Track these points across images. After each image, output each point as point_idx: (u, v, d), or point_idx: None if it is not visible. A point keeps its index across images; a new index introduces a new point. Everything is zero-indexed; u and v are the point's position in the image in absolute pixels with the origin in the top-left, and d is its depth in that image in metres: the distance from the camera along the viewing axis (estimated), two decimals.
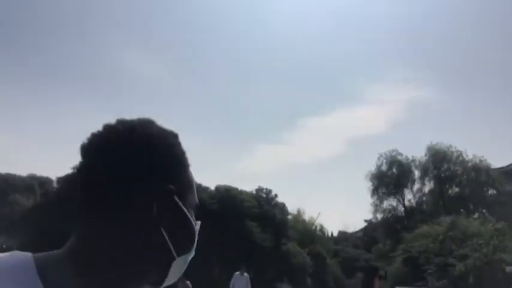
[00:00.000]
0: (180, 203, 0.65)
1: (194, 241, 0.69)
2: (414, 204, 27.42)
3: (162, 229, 0.63)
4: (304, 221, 28.11)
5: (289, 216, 25.70)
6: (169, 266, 0.65)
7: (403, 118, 42.54)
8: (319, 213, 28.41)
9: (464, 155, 26.11)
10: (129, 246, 0.62)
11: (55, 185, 25.44)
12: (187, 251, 0.68)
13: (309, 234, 26.64)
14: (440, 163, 26.48)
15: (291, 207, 26.27)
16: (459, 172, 25.95)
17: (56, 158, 36.66)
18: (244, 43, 54.70)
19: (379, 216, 28.18)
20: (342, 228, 34.18)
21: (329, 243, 28.91)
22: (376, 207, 28.02)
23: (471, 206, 24.18)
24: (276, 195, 24.49)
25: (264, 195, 24.49)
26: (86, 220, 0.63)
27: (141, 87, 45.46)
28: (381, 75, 45.32)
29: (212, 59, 53.57)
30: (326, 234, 30.82)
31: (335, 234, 33.04)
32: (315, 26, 54.52)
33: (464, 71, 45.86)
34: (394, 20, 49.12)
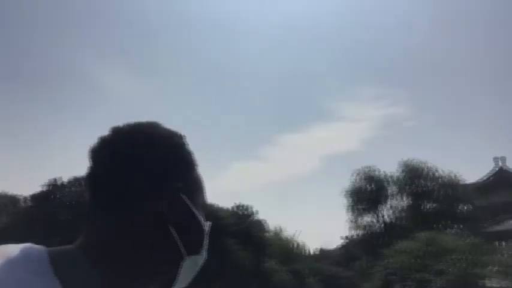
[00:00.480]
0: (188, 202, 0.66)
1: (203, 241, 0.69)
2: (392, 220, 27.68)
3: (170, 227, 0.63)
4: (283, 238, 27.90)
5: (269, 234, 25.45)
6: (178, 266, 0.65)
7: (376, 135, 43.50)
8: (298, 230, 28.32)
9: (439, 171, 26.72)
10: (139, 245, 0.63)
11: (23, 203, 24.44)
12: (197, 251, 0.67)
13: (288, 253, 26.40)
14: (416, 179, 26.97)
15: (271, 225, 26.12)
16: (435, 188, 26.45)
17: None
18: (219, 59, 55.11)
19: (357, 232, 28.32)
20: (320, 246, 34.12)
21: (308, 260, 28.71)
22: (354, 224, 28.17)
23: (447, 221, 24.58)
24: (255, 212, 24.28)
25: (243, 212, 24.22)
26: (96, 220, 0.65)
27: (99, 96, 44.32)
28: (354, 92, 46.46)
29: (185, 72, 53.48)
30: (305, 252, 30.66)
31: (313, 251, 32.93)
32: (289, 44, 55.56)
33: (435, 88, 47.48)
34: (367, 37, 50.66)
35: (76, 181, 19.65)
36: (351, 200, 28.08)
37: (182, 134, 0.72)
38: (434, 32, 45.06)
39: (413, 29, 49.22)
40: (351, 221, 28.11)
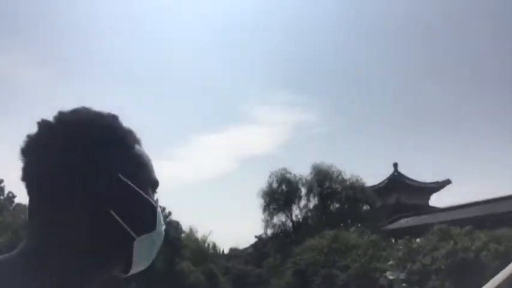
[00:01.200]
0: (128, 182, 0.64)
1: (155, 217, 0.67)
2: (301, 219, 29.26)
3: (112, 211, 0.62)
4: (197, 239, 27.68)
5: (183, 235, 25.06)
6: (131, 248, 0.64)
7: (290, 139, 45.60)
8: (210, 231, 28.35)
9: (343, 174, 29.02)
10: (84, 237, 0.61)
11: None
12: (149, 228, 0.66)
13: (202, 253, 26.26)
14: (323, 181, 28.94)
15: (184, 226, 25.74)
16: (339, 189, 28.62)
17: None
18: (134, 57, 52.84)
19: (270, 231, 29.40)
20: (233, 245, 34.54)
21: (221, 261, 28.87)
22: (267, 223, 29.20)
23: (349, 221, 26.74)
24: (169, 213, 23.67)
25: None
26: (36, 220, 0.63)
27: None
28: (270, 97, 48.10)
29: (102, 70, 50.26)
30: (218, 252, 30.79)
31: (227, 251, 33.21)
32: (209, 45, 55.50)
33: (344, 96, 51.44)
34: (282, 43, 52.84)
35: None
36: (266, 200, 29.08)
37: (115, 114, 0.70)
38: (346, 40, 48.75)
39: (327, 37, 52.73)
40: (265, 221, 29.14)
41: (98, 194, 0.62)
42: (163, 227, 0.69)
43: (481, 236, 15.95)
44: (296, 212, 29.57)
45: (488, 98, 49.10)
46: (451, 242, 16.20)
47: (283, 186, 29.32)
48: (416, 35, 48.40)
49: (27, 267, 0.58)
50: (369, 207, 27.76)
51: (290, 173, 29.75)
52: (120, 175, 0.64)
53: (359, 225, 25.38)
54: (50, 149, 0.63)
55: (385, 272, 12.65)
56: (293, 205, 29.38)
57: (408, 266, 15.70)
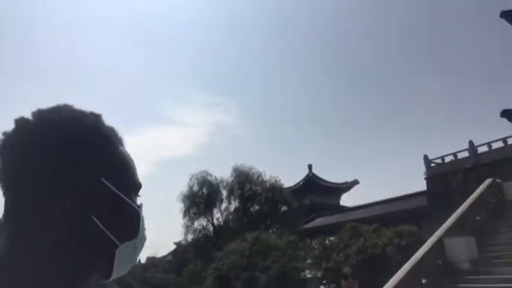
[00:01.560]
0: (109, 185, 0.61)
1: (138, 223, 0.64)
2: (222, 223, 29.20)
3: (94, 217, 0.59)
4: None
5: None
6: (113, 256, 0.60)
7: (209, 141, 45.44)
8: None
9: (263, 176, 29.64)
10: (61, 240, 0.58)
11: None
12: (131, 235, 0.63)
13: None
14: (244, 183, 29.24)
15: None
16: (259, 191, 29.20)
17: None
18: (49, 55, 48.27)
19: (190, 237, 28.80)
20: (151, 254, 33.13)
21: (138, 271, 27.56)
22: (188, 228, 28.56)
23: (269, 222, 27.42)
24: None
25: None
26: (10, 222, 0.60)
27: None
28: (188, 98, 47.49)
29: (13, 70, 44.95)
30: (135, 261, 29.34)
31: (144, 261, 31.74)
32: (127, 44, 52.91)
33: (259, 100, 52.75)
34: (201, 44, 52.52)
35: None
36: (186, 204, 28.42)
37: (97, 112, 0.66)
38: (262, 40, 50.00)
39: (245, 40, 53.58)
40: (186, 226, 28.45)
41: (78, 198, 0.59)
42: (145, 231, 0.66)
43: (387, 232, 17.53)
44: (217, 216, 29.46)
45: (391, 103, 54.33)
46: (361, 239, 17.54)
47: (204, 189, 28.98)
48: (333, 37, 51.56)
49: (2, 274, 0.56)
50: (287, 208, 28.73)
51: (211, 175, 29.55)
52: (103, 179, 0.61)
53: (277, 226, 26.12)
54: (28, 148, 0.59)
55: (303, 271, 13.16)
56: (214, 208, 29.22)
57: (323, 264, 16.63)
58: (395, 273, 8.94)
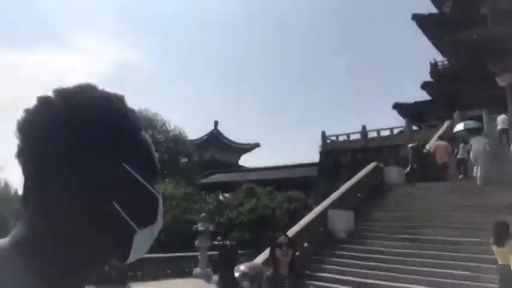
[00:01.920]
0: (132, 171, 0.61)
1: (157, 210, 0.64)
2: None
3: (115, 203, 0.59)
4: None
5: None
6: (131, 241, 0.61)
7: (111, 74, 42.23)
8: (1, 166, 24.35)
9: (167, 125, 28.95)
10: (82, 225, 0.58)
11: None
12: (151, 221, 0.63)
13: None
14: (147, 129, 28.10)
15: None
16: (161, 140, 28.57)
17: None
18: None
19: None
20: None
21: (14, 203, 25.30)
22: None
23: (167, 172, 27.23)
24: None
25: None
26: (32, 205, 0.59)
27: None
28: (95, 24, 43.00)
29: None
30: (9, 191, 26.87)
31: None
32: None
33: (173, 42, 50.31)
34: None
35: None
36: None
37: (121, 94, 0.65)
38: None
39: None
40: None
41: (100, 183, 0.58)
42: (161, 219, 0.66)
43: (279, 196, 18.89)
44: None
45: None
46: (255, 200, 18.64)
47: None
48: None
49: (23, 257, 0.56)
50: (187, 160, 28.75)
51: None
52: (124, 165, 0.60)
53: (176, 177, 26.13)
54: (50, 129, 0.58)
55: (196, 224, 13.57)
56: None
57: (217, 219, 17.33)
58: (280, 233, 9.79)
